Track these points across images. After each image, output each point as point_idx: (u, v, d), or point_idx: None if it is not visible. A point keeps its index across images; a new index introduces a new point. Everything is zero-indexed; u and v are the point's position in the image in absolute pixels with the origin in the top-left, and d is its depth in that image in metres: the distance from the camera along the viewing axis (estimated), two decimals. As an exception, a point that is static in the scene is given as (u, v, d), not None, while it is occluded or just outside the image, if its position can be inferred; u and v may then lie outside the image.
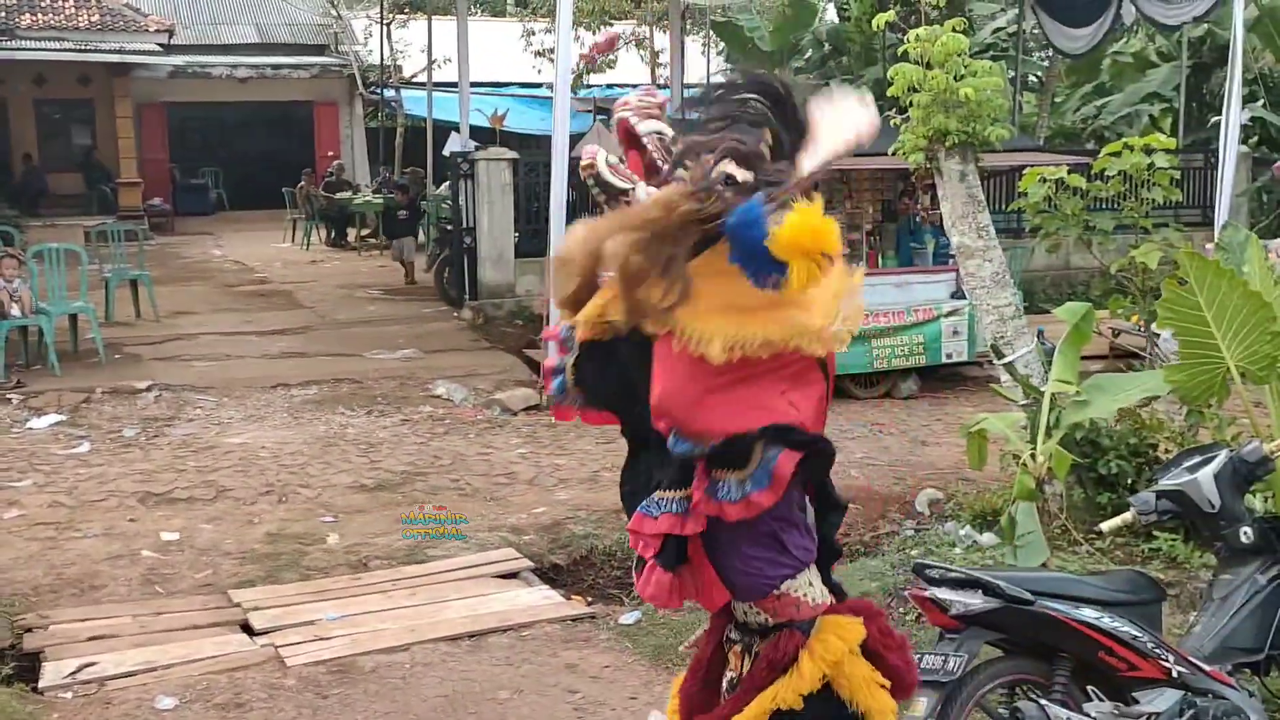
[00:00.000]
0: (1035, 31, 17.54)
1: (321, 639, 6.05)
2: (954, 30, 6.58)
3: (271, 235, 23.74)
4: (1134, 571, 4.67)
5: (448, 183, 16.54)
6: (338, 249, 22.62)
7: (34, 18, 24.99)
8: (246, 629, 6.21)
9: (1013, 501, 5.70)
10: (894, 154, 7.01)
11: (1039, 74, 22.81)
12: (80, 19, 25.08)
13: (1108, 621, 4.17)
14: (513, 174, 14.08)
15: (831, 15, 25.63)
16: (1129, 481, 6.44)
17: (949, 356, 11.39)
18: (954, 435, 8.99)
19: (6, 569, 6.79)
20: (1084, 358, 11.07)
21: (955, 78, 6.59)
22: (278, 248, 22.51)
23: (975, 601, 4.14)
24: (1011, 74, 18.71)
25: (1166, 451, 6.45)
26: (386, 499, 8.20)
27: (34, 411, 10.14)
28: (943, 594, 4.18)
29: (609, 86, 29.36)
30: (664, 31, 24.44)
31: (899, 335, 11.22)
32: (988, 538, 6.62)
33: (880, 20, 6.88)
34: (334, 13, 29.51)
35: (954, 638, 4.18)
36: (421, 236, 20.37)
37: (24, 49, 24.10)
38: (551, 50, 21.17)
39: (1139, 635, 4.19)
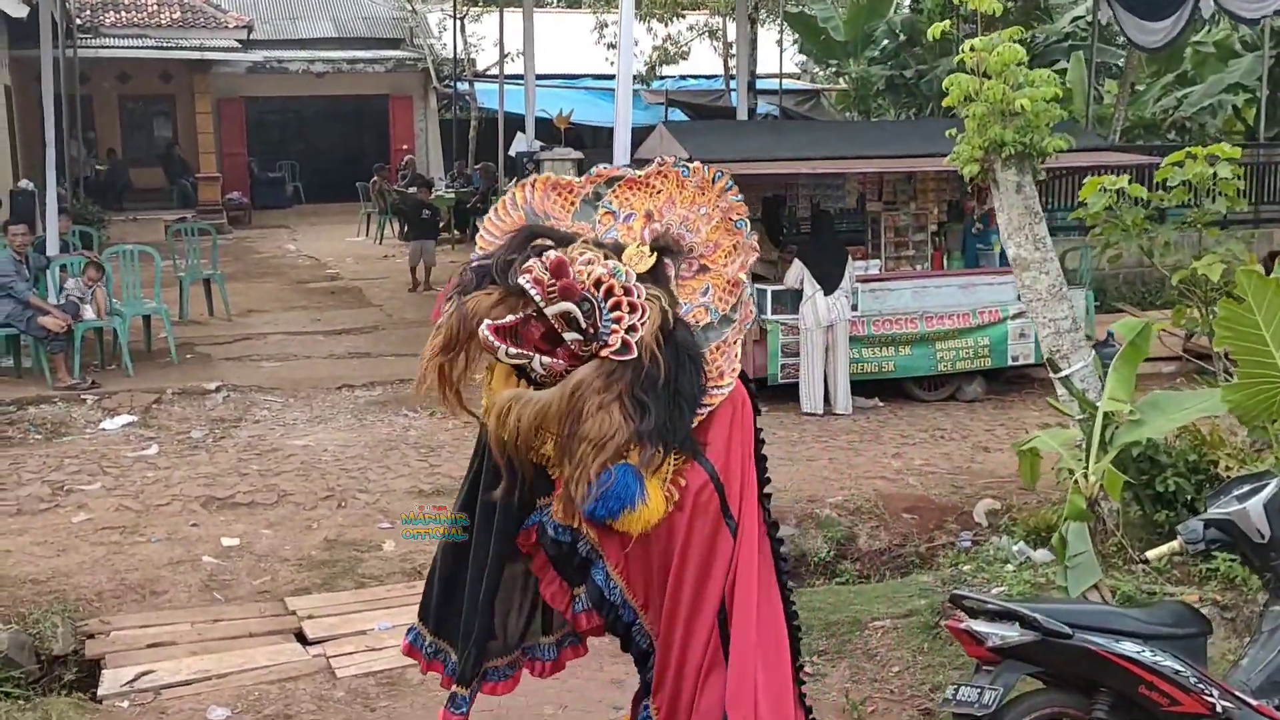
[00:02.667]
0: (1111, 24, 17.18)
1: (373, 649, 6.14)
2: (1011, 40, 6.47)
3: (346, 229, 24.07)
4: (1178, 603, 4.58)
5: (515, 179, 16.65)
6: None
7: (117, 15, 25.57)
8: (300, 638, 6.32)
9: (1064, 521, 5.61)
10: (949, 163, 6.92)
11: (1118, 64, 22.38)
12: (162, 16, 25.61)
13: (1149, 655, 4.11)
14: (577, 173, 14.08)
15: (907, 4, 25.38)
16: (1188, 499, 6.32)
17: (1015, 359, 11.23)
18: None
19: (72, 574, 6.95)
20: (1158, 359, 11.02)
21: (1012, 87, 6.49)
22: (351, 242, 22.81)
23: (1012, 634, 4.10)
24: (1092, 63, 18.43)
25: (1228, 469, 6.32)
26: (445, 504, 8.26)
27: (107, 412, 10.37)
28: (979, 626, 4.15)
29: (682, 78, 29.36)
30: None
31: (964, 337, 11.09)
32: (1041, 554, 6.54)
33: (936, 30, 6.79)
34: (409, 7, 29.76)
35: (990, 670, 4.15)
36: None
37: (108, 46, 24.67)
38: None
39: (1181, 670, 4.12)
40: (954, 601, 4.34)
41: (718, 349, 3.91)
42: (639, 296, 3.69)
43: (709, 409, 3.81)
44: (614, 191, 4.04)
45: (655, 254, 3.84)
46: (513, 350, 3.63)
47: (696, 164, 4.07)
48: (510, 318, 3.66)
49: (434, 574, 4.31)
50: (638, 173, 4.06)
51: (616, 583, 3.88)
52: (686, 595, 3.81)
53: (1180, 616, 4.34)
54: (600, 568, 3.87)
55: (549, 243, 3.77)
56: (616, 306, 3.66)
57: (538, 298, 3.63)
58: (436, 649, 4.28)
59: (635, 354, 3.65)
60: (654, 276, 3.80)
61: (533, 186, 4.03)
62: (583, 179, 4.09)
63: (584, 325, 3.65)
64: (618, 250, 3.82)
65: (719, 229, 3.99)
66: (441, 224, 22.72)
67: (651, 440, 3.63)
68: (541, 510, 3.89)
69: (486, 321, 3.63)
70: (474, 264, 3.91)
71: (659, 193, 4.02)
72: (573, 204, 4.04)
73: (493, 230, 3.98)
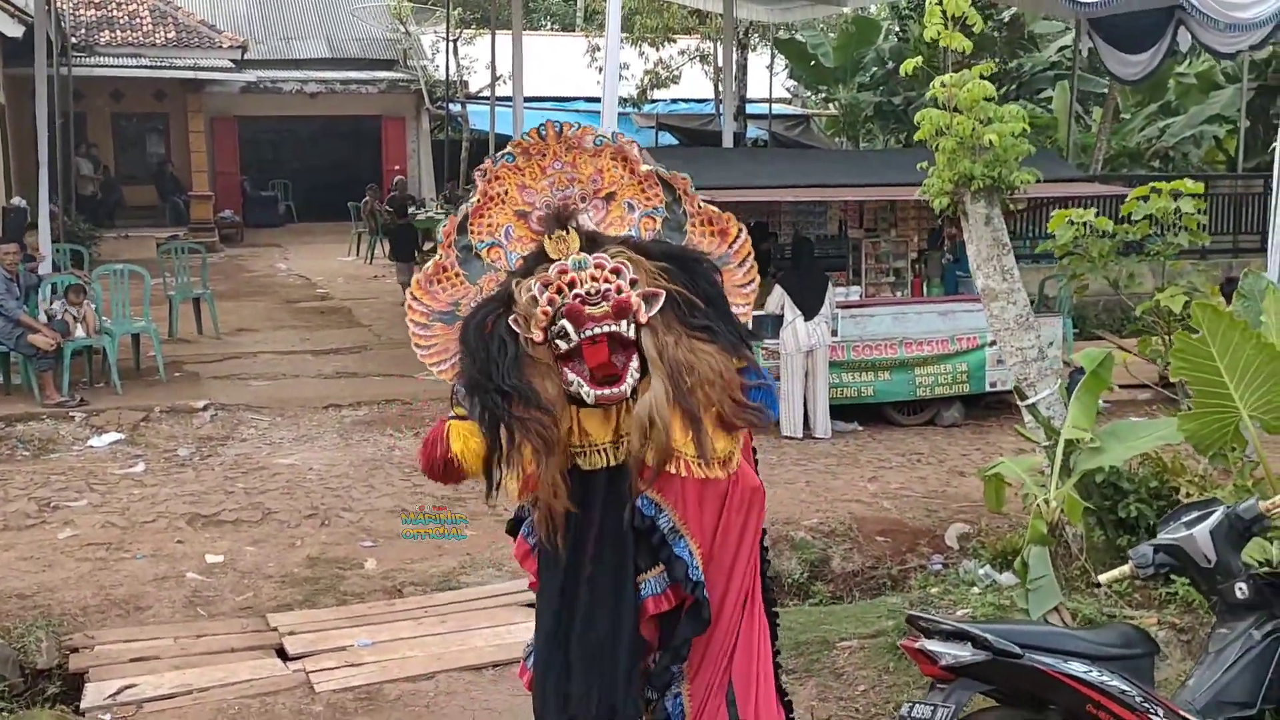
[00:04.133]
0: (1094, 52, 17.43)
1: (352, 665, 6.26)
2: (980, 76, 6.65)
3: (337, 248, 24.22)
4: (1127, 625, 4.74)
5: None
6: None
7: (112, 34, 25.77)
8: (281, 653, 6.43)
9: (1027, 545, 5.77)
10: (921, 195, 7.09)
11: (1104, 93, 22.66)
12: (157, 36, 25.81)
13: (1095, 675, 4.25)
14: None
15: (895, 33, 25.66)
16: (1150, 524, 6.47)
17: (993, 385, 11.38)
18: (990, 467, 9.06)
19: (57, 589, 7.08)
20: (1133, 386, 11.19)
21: (981, 122, 6.66)
22: (342, 261, 22.95)
23: (964, 654, 4.23)
24: (1073, 92, 18.65)
25: (1188, 495, 6.47)
26: (443, 505, 8.37)
27: (95, 430, 10.50)
28: (933, 646, 4.28)
29: (673, 102, 29.58)
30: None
31: (942, 363, 11.27)
32: (1007, 577, 6.69)
33: (909, 65, 6.97)
34: (403, 28, 29.98)
35: (944, 688, 4.28)
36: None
37: (103, 65, 24.84)
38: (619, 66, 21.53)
39: (1127, 689, 4.26)
40: (910, 622, 4.49)
41: (696, 231, 4.05)
42: (606, 265, 3.71)
43: (754, 283, 4.12)
44: (472, 231, 4.00)
45: (567, 228, 3.82)
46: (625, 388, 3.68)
47: (514, 141, 4.05)
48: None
49: None
50: (473, 201, 4.01)
51: (697, 559, 3.84)
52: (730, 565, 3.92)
53: (1128, 638, 4.49)
54: (684, 544, 3.83)
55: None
56: (609, 290, 3.67)
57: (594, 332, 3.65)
58: None
59: (661, 296, 3.72)
60: (591, 240, 3.82)
61: (415, 295, 3.99)
62: (441, 245, 4.02)
63: (576, 332, 3.65)
64: (540, 257, 3.81)
65: (587, 163, 3.99)
66: (430, 246, 23.04)
67: (737, 346, 3.81)
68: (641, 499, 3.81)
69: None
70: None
71: (505, 196, 3.99)
72: (456, 275, 4.00)
73: (421, 343, 4.01)
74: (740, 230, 4.16)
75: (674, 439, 3.70)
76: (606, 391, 3.67)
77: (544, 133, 4.00)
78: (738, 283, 4.12)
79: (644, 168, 4.03)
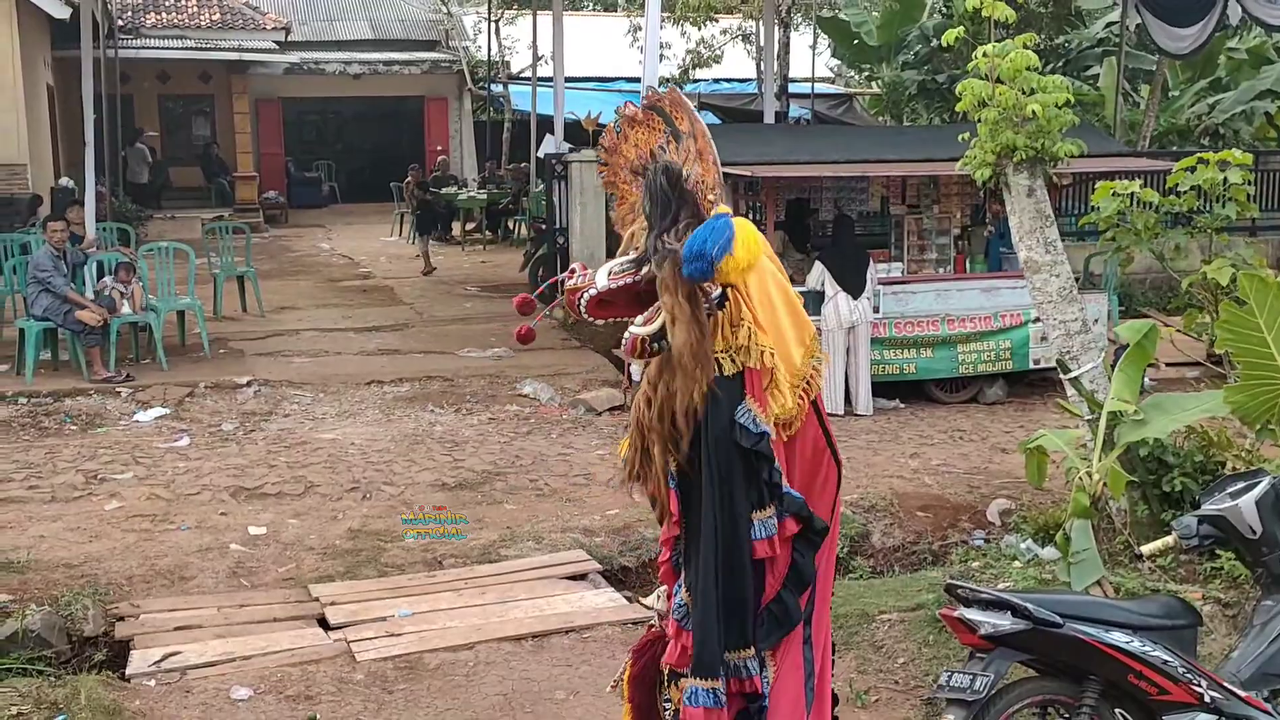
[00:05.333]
0: (1141, 28, 17.19)
1: (392, 635, 6.31)
2: (1023, 46, 6.57)
3: (380, 228, 24.34)
4: (1169, 596, 4.69)
5: (547, 181, 16.84)
6: (442, 243, 23.07)
7: (158, 17, 25.98)
8: (323, 623, 6.49)
9: (1069, 518, 5.71)
10: (962, 168, 7.02)
11: (1151, 70, 22.36)
12: (202, 18, 26.00)
13: (1137, 645, 4.22)
14: (606, 174, 14.22)
15: (939, 10, 25.40)
16: (1195, 499, 6.39)
17: (1036, 363, 11.28)
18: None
19: (104, 559, 7.17)
20: (1180, 364, 11.05)
21: (1024, 93, 6.59)
22: (384, 241, 23.06)
23: (1004, 623, 4.21)
24: (1121, 68, 18.41)
25: (1234, 469, 6.40)
26: (466, 498, 8.45)
27: (141, 405, 10.61)
28: (971, 614, 4.26)
29: (715, 81, 29.48)
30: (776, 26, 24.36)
31: (986, 340, 11.18)
32: (1049, 552, 6.64)
33: (950, 36, 6.90)
34: (445, 9, 30.03)
35: (983, 657, 4.27)
36: (522, 232, 20.88)
37: (149, 47, 25.05)
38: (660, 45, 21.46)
39: (1170, 660, 4.23)
40: (949, 591, 4.46)
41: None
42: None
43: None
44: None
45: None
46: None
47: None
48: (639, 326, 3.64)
49: None
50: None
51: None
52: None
53: (1170, 609, 4.45)
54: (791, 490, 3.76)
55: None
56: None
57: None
58: None
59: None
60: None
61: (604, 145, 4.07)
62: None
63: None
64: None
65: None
66: (472, 226, 23.15)
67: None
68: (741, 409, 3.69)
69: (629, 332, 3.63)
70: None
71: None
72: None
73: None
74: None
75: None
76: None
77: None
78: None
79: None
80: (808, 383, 3.80)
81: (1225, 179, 6.72)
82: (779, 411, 3.71)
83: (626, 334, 3.66)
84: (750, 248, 3.54)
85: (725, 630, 3.71)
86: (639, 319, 3.66)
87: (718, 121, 24.83)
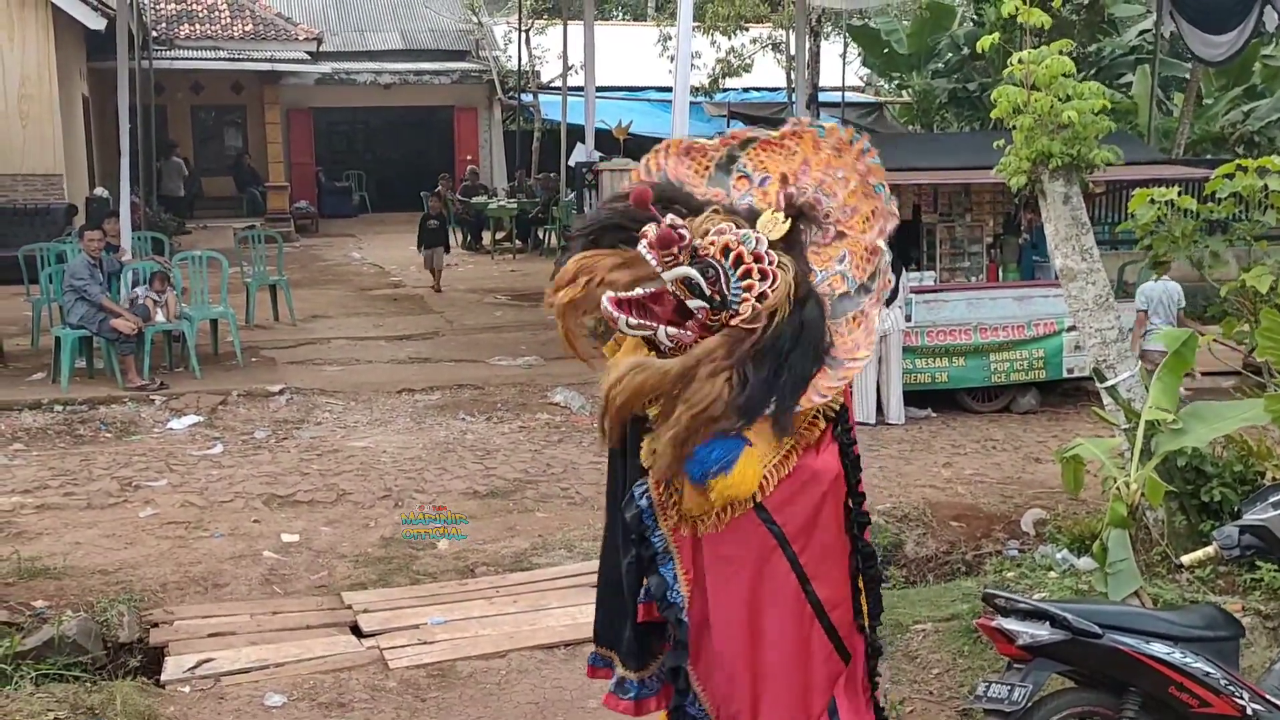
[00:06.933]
0: (1178, 37, 17.07)
1: (425, 643, 6.31)
2: (1059, 53, 6.54)
3: (410, 238, 24.15)
4: (1210, 606, 4.64)
5: (578, 189, 16.91)
6: (473, 252, 23.15)
7: (191, 28, 26.22)
8: (355, 630, 6.50)
9: (1106, 528, 5.66)
10: (997, 174, 6.98)
11: (1186, 77, 22.21)
12: (234, 29, 26.22)
13: (1178, 657, 4.17)
14: (635, 183, 14.24)
15: (970, 18, 25.31)
16: (1234, 509, 6.33)
17: (1070, 372, 11.21)
18: (1067, 454, 8.92)
19: (139, 566, 7.20)
20: (1216, 373, 10.95)
21: (1060, 99, 6.56)
22: (414, 251, 23.02)
23: (1042, 633, 4.17)
24: (1155, 75, 18.29)
25: (1274, 479, 6.33)
26: (498, 506, 8.45)
27: (174, 413, 10.66)
28: (1010, 625, 4.23)
29: (745, 91, 29.46)
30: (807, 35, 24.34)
31: (1018, 349, 11.11)
32: (1085, 562, 6.57)
33: (986, 42, 6.87)
34: (475, 19, 30.13)
35: (1021, 668, 4.23)
36: (552, 241, 20.90)
37: (182, 58, 25.27)
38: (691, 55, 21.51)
39: (1212, 672, 4.18)
40: (986, 600, 4.43)
41: (854, 320, 3.73)
42: (769, 264, 3.57)
43: (844, 382, 3.69)
44: (748, 154, 3.93)
45: (790, 219, 3.70)
46: (634, 321, 3.55)
47: (833, 124, 3.97)
48: (638, 291, 3.59)
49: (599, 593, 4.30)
50: (772, 134, 3.93)
51: (681, 589, 3.81)
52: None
53: (1212, 619, 4.39)
54: (670, 567, 3.82)
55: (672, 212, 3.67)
56: (747, 274, 3.54)
57: (653, 262, 3.55)
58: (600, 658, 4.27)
59: (764, 322, 3.55)
60: (789, 243, 3.67)
61: (666, 152, 3.96)
62: (716, 141, 3.98)
63: (708, 292, 3.54)
64: (752, 216, 3.71)
65: (856, 193, 3.80)
66: (503, 235, 23.17)
67: (737, 413, 3.50)
68: (640, 483, 3.82)
69: (609, 295, 3.55)
70: (605, 208, 3.92)
71: (794, 155, 3.88)
72: (707, 169, 3.95)
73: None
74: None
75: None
76: (638, 321, 3.58)
77: (854, 141, 3.84)
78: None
79: (881, 242, 3.75)
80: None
81: (1265, 185, 6.65)
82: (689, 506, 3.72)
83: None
84: (746, 483, 3.56)
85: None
86: (668, 330, 3.61)
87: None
